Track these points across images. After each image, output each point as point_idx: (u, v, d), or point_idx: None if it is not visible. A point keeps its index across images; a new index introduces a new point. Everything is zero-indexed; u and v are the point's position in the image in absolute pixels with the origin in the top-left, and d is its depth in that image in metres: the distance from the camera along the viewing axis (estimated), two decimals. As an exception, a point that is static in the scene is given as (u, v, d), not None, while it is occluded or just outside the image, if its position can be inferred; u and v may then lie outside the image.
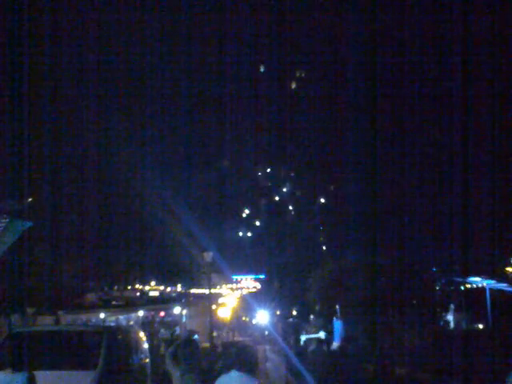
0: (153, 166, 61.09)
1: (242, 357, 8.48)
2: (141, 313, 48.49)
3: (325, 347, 20.70)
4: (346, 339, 23.78)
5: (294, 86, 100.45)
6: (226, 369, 8.37)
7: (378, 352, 27.80)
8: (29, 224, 13.92)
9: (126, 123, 58.85)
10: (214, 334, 40.43)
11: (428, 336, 29.55)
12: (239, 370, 8.21)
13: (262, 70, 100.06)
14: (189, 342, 10.89)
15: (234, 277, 74.53)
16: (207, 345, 36.85)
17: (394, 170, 50.74)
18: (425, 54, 51.92)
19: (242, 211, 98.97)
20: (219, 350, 34.66)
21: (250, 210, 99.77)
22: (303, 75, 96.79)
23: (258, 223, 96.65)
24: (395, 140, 52.29)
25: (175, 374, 10.08)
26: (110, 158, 53.66)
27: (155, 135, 66.38)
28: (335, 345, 27.71)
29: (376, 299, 36.86)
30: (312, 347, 20.09)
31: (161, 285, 67.54)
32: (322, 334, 29.68)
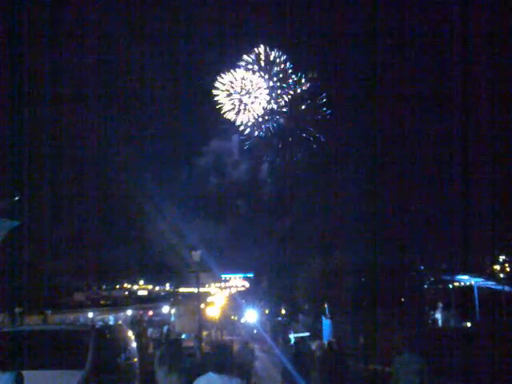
0: (142, 162, 60.88)
1: (219, 357, 8.35)
2: (129, 312, 48.40)
3: (312, 346, 20.71)
4: (334, 338, 23.80)
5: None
6: (203, 371, 8.26)
7: (366, 351, 27.83)
8: (16, 223, 13.84)
9: (123, 122, 58.80)
10: (204, 333, 40.36)
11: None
12: (218, 371, 8.06)
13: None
14: (173, 342, 10.85)
15: (223, 275, 74.47)
16: (193, 344, 36.75)
17: (388, 170, 50.89)
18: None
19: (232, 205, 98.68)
20: (206, 349, 34.59)
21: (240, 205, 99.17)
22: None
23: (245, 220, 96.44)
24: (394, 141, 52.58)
25: (159, 373, 10.06)
26: (104, 157, 53.59)
27: (144, 133, 66.07)
28: (324, 343, 27.72)
29: (364, 298, 36.92)
30: (299, 346, 20.09)
31: (149, 284, 67.45)
32: (307, 334, 29.72)
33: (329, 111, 75.71)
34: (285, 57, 76.53)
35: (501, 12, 41.82)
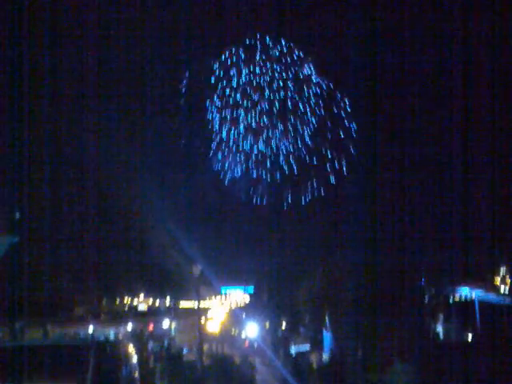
0: (143, 170, 60.60)
1: (220, 371, 8.40)
2: (129, 326, 48.31)
3: (313, 359, 20.72)
4: (336, 351, 23.82)
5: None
6: None
7: (365, 362, 27.82)
8: (15, 239, 13.89)
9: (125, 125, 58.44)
10: (206, 346, 40.30)
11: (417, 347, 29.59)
12: None
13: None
14: (174, 356, 10.90)
15: (223, 289, 74.30)
16: (194, 358, 36.72)
17: (388, 180, 50.80)
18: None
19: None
20: (206, 363, 34.54)
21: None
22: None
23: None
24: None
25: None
26: (105, 175, 53.57)
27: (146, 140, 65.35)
28: (325, 356, 27.73)
29: (365, 310, 36.87)
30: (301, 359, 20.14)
31: (149, 298, 67.30)
32: (307, 347, 29.73)
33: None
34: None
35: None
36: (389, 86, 54.03)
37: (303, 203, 62.26)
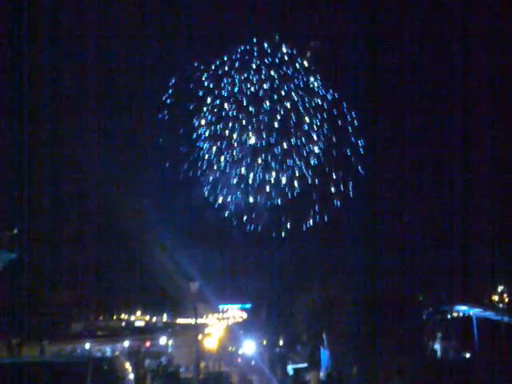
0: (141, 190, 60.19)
1: None
2: (126, 343, 48.15)
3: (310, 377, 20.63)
4: (333, 369, 23.72)
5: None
6: None
7: (364, 380, 27.71)
8: (13, 256, 13.88)
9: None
10: (202, 364, 40.13)
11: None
12: None
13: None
14: (171, 374, 10.84)
15: (221, 306, 74.14)
16: (190, 375, 36.57)
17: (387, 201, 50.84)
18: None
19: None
20: (203, 381, 34.41)
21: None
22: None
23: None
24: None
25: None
26: (106, 193, 53.51)
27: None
28: (322, 375, 27.60)
29: (362, 328, 36.78)
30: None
31: (147, 314, 67.17)
32: (305, 365, 29.58)
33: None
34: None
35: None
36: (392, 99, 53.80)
37: (304, 229, 59.05)
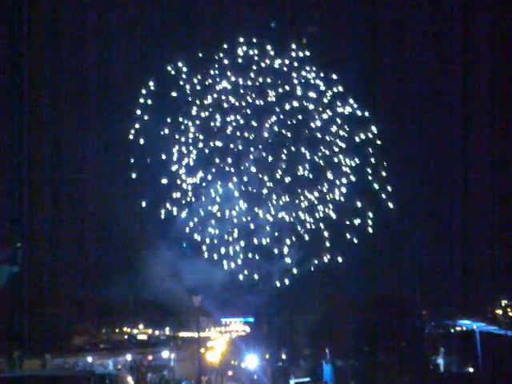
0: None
1: None
2: (129, 356, 48.01)
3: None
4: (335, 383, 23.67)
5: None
6: None
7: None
8: (15, 269, 13.89)
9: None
10: (204, 378, 40.03)
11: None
12: None
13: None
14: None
15: (223, 320, 73.95)
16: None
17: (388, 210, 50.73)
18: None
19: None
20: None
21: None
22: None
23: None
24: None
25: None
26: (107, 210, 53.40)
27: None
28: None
29: (365, 343, 36.69)
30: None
31: (149, 328, 66.94)
32: (307, 379, 29.54)
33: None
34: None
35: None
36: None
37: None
